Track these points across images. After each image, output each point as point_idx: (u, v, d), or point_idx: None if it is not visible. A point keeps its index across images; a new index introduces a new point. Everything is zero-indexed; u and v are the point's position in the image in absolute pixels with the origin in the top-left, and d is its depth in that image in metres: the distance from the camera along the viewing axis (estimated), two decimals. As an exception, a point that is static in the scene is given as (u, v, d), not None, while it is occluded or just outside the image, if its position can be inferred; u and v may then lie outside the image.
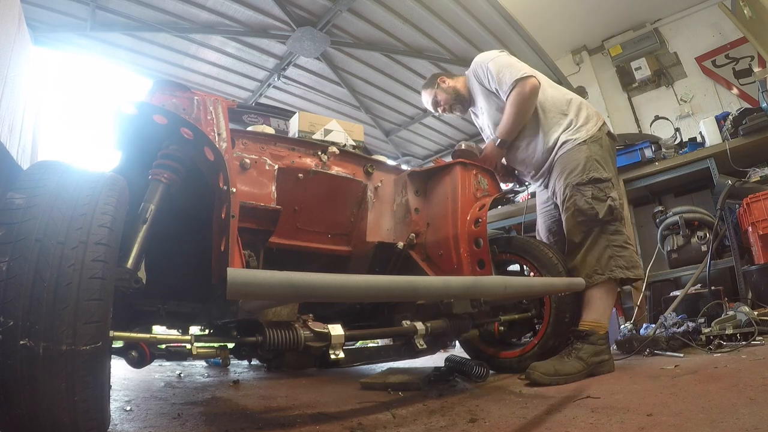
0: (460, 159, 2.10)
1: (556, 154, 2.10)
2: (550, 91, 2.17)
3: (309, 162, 1.78)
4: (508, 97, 2.09)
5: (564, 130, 2.09)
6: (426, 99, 2.50)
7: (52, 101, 3.82)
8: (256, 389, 2.03)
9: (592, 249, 1.95)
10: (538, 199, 2.42)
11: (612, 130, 2.19)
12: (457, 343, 2.63)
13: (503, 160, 2.31)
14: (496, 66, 2.15)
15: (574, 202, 1.98)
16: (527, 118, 2.12)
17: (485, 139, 2.44)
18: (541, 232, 2.39)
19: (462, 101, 2.39)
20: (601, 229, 1.95)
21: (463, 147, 2.22)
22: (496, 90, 2.16)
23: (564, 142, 2.07)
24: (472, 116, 2.55)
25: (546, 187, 2.25)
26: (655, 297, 3.35)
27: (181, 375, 2.54)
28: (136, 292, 1.18)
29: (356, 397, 1.71)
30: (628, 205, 3.54)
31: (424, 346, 1.57)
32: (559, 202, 2.10)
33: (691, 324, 2.30)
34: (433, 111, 2.53)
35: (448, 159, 2.24)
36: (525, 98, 2.06)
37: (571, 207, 2.00)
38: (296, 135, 1.93)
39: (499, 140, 2.17)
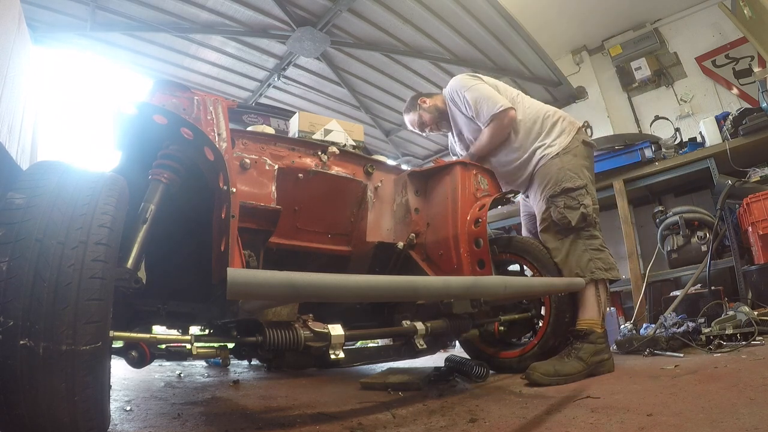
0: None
1: (535, 168, 2.19)
2: (528, 111, 2.26)
3: (309, 162, 1.77)
4: (485, 128, 2.21)
5: (538, 147, 2.19)
6: (410, 122, 2.59)
7: (52, 101, 3.82)
8: (256, 389, 2.03)
9: (571, 254, 2.01)
10: (521, 204, 2.60)
11: (589, 138, 2.29)
12: (457, 343, 2.63)
13: None
14: (473, 97, 2.23)
15: (549, 214, 2.07)
16: (500, 142, 2.24)
17: (452, 152, 2.64)
18: (523, 234, 2.55)
19: (445, 117, 2.48)
20: (577, 235, 2.02)
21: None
22: (473, 117, 2.26)
23: (540, 158, 2.17)
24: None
25: (527, 196, 2.39)
26: (655, 297, 3.35)
27: (181, 375, 2.54)
28: (136, 292, 1.18)
29: (356, 397, 1.71)
30: (628, 205, 3.54)
31: (424, 346, 1.57)
32: (537, 214, 2.20)
33: (691, 324, 2.30)
34: (419, 132, 2.62)
35: (448, 159, 2.24)
36: (502, 130, 2.19)
37: (547, 219, 2.09)
38: (296, 135, 1.92)
39: (475, 156, 2.27)
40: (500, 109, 2.15)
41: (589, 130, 4.84)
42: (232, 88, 4.79)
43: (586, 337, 1.86)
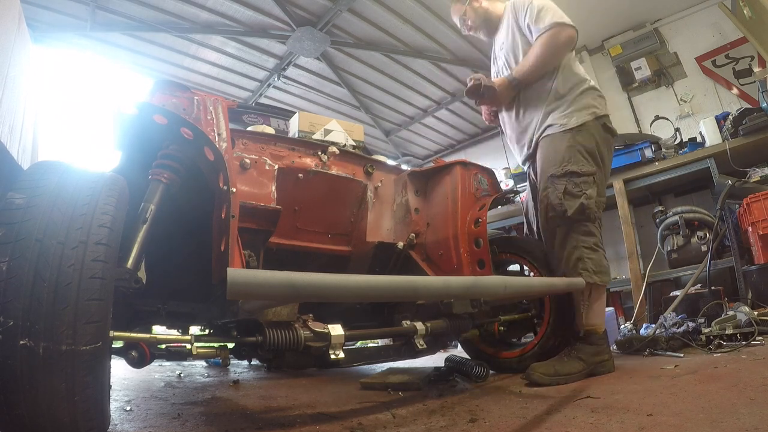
0: (471, 97, 2.03)
1: (540, 134, 1.96)
2: (570, 66, 1.99)
3: (309, 162, 1.78)
4: (539, 36, 1.91)
5: (554, 110, 1.93)
6: (454, 13, 2.30)
7: (52, 101, 3.82)
8: (256, 389, 2.03)
9: (561, 248, 1.87)
10: (528, 177, 2.30)
11: (613, 127, 2.03)
12: (457, 343, 2.63)
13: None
14: (541, 3, 1.95)
15: (547, 195, 1.88)
16: (548, 67, 1.94)
17: (493, 74, 2.27)
18: (530, 209, 2.29)
19: (489, 26, 2.20)
20: (571, 228, 1.84)
21: (471, 80, 2.02)
22: (528, 27, 1.98)
23: (550, 125, 1.93)
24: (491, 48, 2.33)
25: (531, 168, 2.17)
26: (655, 297, 3.35)
27: (181, 375, 2.54)
28: (136, 292, 1.18)
29: (356, 397, 1.71)
30: (628, 205, 3.54)
31: (424, 346, 1.57)
32: (538, 192, 2.00)
33: (691, 324, 2.30)
34: (458, 25, 2.33)
35: (448, 159, 2.22)
36: (557, 45, 1.88)
37: (544, 200, 1.89)
38: (296, 135, 1.93)
39: (515, 79, 1.97)
40: (565, 20, 1.87)
41: None
42: (232, 88, 4.79)
43: (587, 338, 1.84)
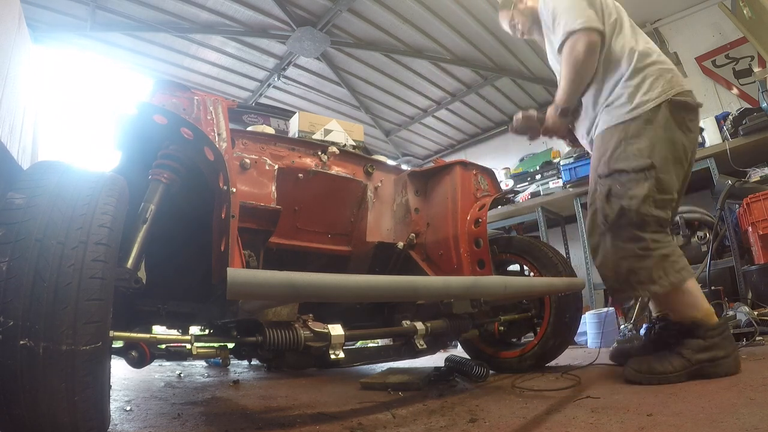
0: (521, 134, 1.92)
1: (594, 131, 1.77)
2: (615, 42, 1.73)
3: (309, 162, 1.78)
4: (560, 53, 1.72)
5: (607, 106, 1.70)
6: (503, 19, 2.12)
7: (52, 101, 3.82)
8: (256, 389, 2.03)
9: (608, 258, 1.65)
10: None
11: (693, 99, 1.68)
12: (457, 343, 2.63)
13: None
14: (553, 4, 1.76)
15: (594, 198, 1.70)
16: (587, 80, 1.72)
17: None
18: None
19: (539, 23, 1.97)
20: (613, 235, 1.63)
21: (520, 116, 1.91)
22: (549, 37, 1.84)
23: (602, 122, 1.71)
24: None
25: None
26: (655, 297, 3.34)
27: (181, 375, 2.55)
28: (136, 292, 1.18)
29: (356, 397, 1.71)
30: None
31: (424, 346, 1.57)
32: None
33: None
34: (510, 33, 2.14)
35: (448, 159, 2.22)
36: (577, 59, 1.65)
37: (592, 205, 1.72)
38: (296, 135, 1.93)
39: (558, 107, 1.79)
40: (580, 26, 1.63)
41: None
42: (232, 88, 4.79)
43: (693, 330, 1.54)
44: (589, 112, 1.79)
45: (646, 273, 1.57)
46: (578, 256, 3.88)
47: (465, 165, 2.07)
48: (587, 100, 1.79)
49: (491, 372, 1.97)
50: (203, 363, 3.09)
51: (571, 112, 1.83)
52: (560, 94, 1.76)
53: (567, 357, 2.34)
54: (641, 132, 1.61)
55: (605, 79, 1.72)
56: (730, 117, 3.30)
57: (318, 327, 1.32)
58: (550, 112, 1.84)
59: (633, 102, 1.63)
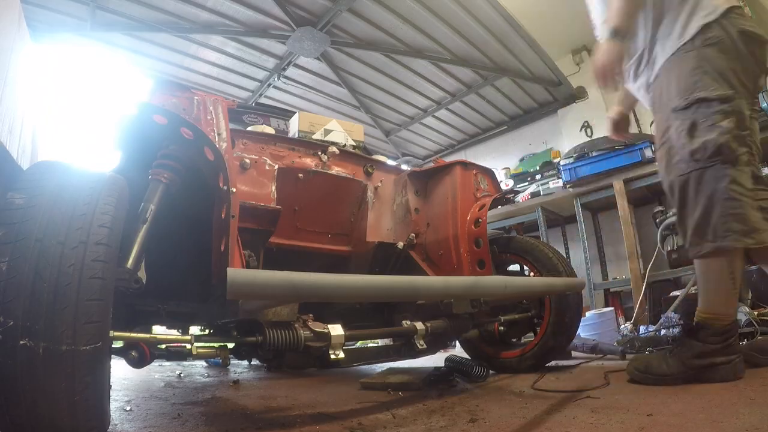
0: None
1: (657, 74, 1.53)
2: None
3: (309, 162, 1.78)
4: None
5: (668, 33, 1.48)
6: None
7: (52, 101, 3.82)
8: (256, 389, 2.03)
9: (691, 207, 1.42)
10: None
11: (752, 26, 1.44)
12: (457, 343, 2.63)
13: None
14: None
15: (669, 135, 1.47)
16: (635, 5, 1.50)
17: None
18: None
19: None
20: (701, 176, 1.39)
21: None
22: None
23: (665, 52, 1.49)
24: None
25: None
26: (655, 297, 3.35)
27: (181, 375, 2.55)
28: (136, 292, 1.18)
29: (356, 397, 1.71)
30: (628, 205, 3.53)
31: (424, 346, 1.57)
32: (656, 137, 1.57)
33: (691, 324, 2.30)
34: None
35: (448, 159, 2.23)
36: None
37: (666, 143, 1.48)
38: (296, 135, 1.93)
39: (610, 30, 1.49)
40: None
41: (589, 130, 4.83)
42: (232, 88, 4.79)
43: (696, 331, 1.44)
44: (646, 53, 1.56)
45: (737, 222, 1.35)
46: (578, 256, 3.87)
47: (465, 165, 2.07)
48: (643, 34, 1.55)
49: (491, 372, 1.97)
50: (203, 363, 3.09)
51: (624, 37, 1.52)
52: (612, 12, 1.49)
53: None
54: (716, 58, 1.41)
55: (665, 7, 1.50)
56: (731, 117, 3.29)
57: (318, 327, 1.31)
58: (601, 40, 1.56)
59: (698, 18, 1.43)
